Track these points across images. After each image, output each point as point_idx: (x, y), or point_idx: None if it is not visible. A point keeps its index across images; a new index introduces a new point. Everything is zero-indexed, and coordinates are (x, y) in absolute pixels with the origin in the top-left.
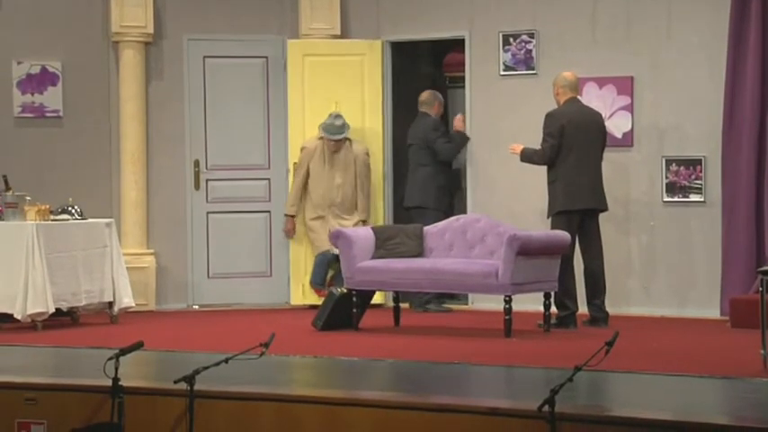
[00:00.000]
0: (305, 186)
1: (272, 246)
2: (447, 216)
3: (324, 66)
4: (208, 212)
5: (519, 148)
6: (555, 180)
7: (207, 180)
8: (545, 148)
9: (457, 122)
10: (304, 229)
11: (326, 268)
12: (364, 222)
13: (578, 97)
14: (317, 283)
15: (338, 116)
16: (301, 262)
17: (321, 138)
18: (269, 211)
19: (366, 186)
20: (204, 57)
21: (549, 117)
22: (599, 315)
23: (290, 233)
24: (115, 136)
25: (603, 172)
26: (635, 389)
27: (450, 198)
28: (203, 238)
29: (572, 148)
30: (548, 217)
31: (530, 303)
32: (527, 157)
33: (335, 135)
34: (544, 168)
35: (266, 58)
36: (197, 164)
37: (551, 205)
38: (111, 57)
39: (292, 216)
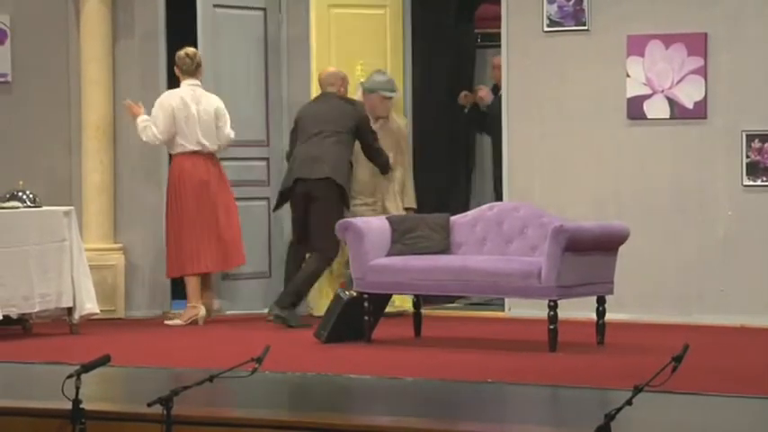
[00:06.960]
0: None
1: (271, 240)
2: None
3: (347, 20)
4: None
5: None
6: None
7: None
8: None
9: (482, 93)
10: None
11: None
12: (416, 212)
13: (332, 91)
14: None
15: (380, 71)
16: None
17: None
18: (267, 198)
19: (410, 167)
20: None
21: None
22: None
23: None
24: (75, 105)
25: (667, 146)
26: (708, 414)
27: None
28: None
29: (301, 137)
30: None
31: (580, 310)
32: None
33: (394, 91)
34: (598, 148)
35: (264, 10)
36: None
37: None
38: (70, 8)
39: None
